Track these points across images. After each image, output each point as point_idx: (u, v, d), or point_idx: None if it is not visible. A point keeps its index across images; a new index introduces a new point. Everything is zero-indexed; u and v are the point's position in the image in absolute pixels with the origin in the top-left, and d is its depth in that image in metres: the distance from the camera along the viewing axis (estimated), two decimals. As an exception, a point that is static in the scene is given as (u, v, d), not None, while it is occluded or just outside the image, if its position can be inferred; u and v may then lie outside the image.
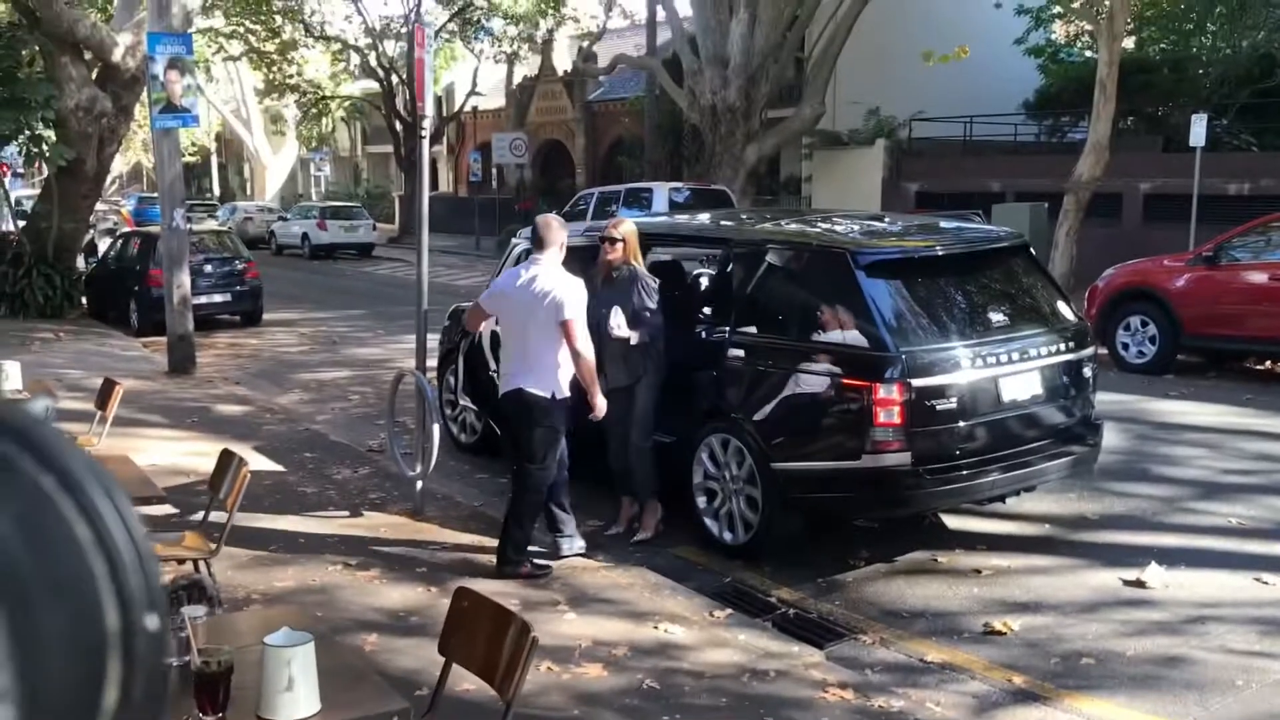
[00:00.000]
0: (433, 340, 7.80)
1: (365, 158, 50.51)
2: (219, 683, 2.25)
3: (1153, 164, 19.83)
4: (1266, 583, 5.67)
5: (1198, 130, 15.76)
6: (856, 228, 6.72)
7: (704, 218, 9.26)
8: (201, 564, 4.61)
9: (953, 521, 6.67)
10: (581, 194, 23.08)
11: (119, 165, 50.76)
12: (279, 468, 7.87)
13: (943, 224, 7.18)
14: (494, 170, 34.44)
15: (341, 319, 17.63)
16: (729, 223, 7.69)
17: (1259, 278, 11.21)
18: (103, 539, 0.55)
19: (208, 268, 15.84)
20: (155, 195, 15.91)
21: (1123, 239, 17.97)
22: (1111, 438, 7.15)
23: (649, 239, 7.60)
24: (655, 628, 5.01)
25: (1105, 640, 5.07)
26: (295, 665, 2.29)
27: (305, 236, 31.43)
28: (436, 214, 34.09)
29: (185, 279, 12.06)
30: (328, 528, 6.54)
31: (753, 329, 6.21)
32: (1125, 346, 11.85)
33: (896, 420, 5.51)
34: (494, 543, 5.90)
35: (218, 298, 16.02)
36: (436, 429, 6.81)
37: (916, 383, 5.52)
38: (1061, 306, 6.53)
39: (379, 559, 5.94)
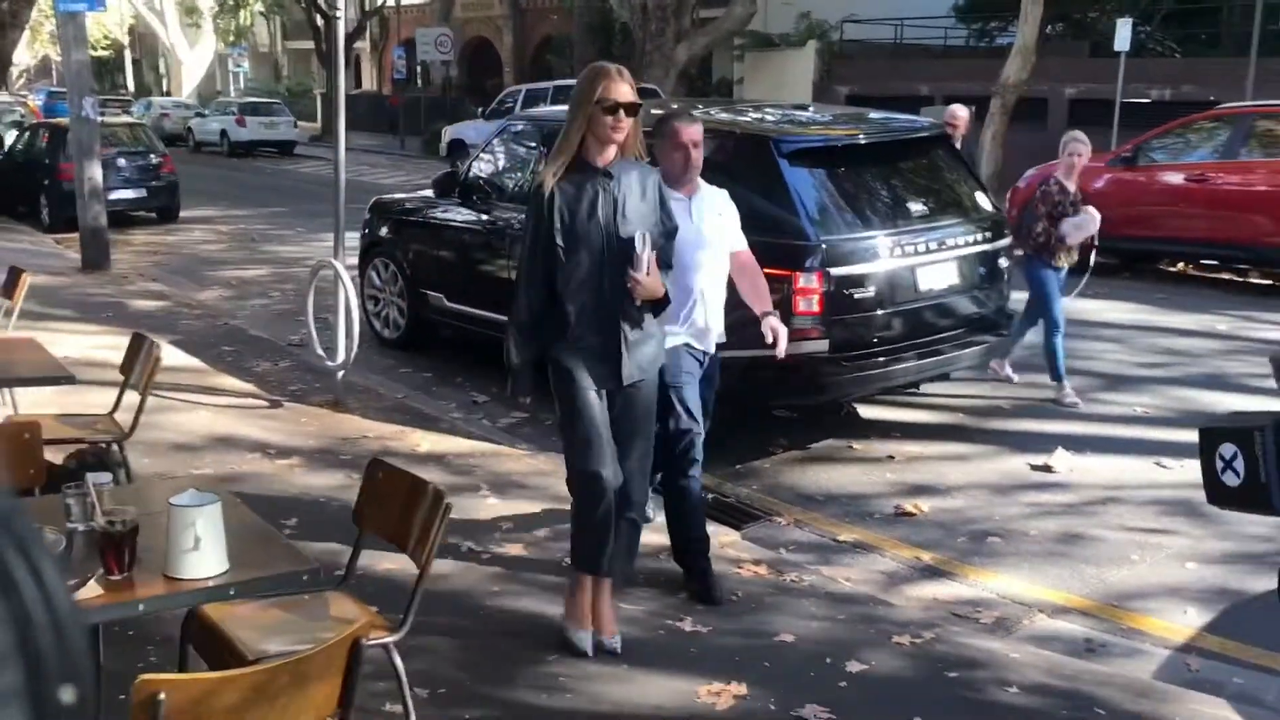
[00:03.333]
0: (353, 237, 7.68)
1: (286, 54, 48.94)
2: (124, 543, 2.23)
3: (1079, 69, 19.97)
4: (1166, 467, 5.89)
5: (1123, 35, 15.88)
6: (782, 116, 6.70)
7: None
8: (114, 448, 4.55)
9: (868, 410, 6.81)
10: (508, 91, 22.68)
11: (26, 58, 48.56)
12: (197, 362, 7.75)
13: (870, 114, 7.19)
14: (419, 68, 33.62)
15: (262, 217, 17.24)
16: (657, 111, 7.61)
17: (1175, 179, 11.43)
18: (14, 609, 0.52)
19: (121, 162, 15.34)
20: (65, 90, 15.31)
21: (1048, 143, 18.07)
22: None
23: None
24: (576, 511, 5.06)
25: (1012, 521, 5.25)
26: (201, 525, 2.29)
27: (224, 134, 30.55)
28: (359, 112, 33.03)
29: (97, 171, 11.66)
30: (247, 418, 6.48)
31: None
32: (1044, 247, 12.02)
33: (815, 309, 5.57)
34: (417, 432, 5.89)
35: (132, 193, 15.54)
36: (356, 318, 6.73)
37: (836, 272, 5.58)
38: (979, 197, 6.60)
39: (299, 449, 5.91)
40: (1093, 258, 7.41)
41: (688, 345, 4.34)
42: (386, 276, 8.34)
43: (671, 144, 4.33)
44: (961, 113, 8.07)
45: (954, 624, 4.10)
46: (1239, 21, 20.67)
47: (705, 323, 4.36)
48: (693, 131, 4.35)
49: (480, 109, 24.92)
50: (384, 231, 8.38)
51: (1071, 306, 10.02)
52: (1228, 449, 0.96)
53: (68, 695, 0.53)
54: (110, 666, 2.99)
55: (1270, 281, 11.31)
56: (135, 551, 2.26)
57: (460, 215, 7.62)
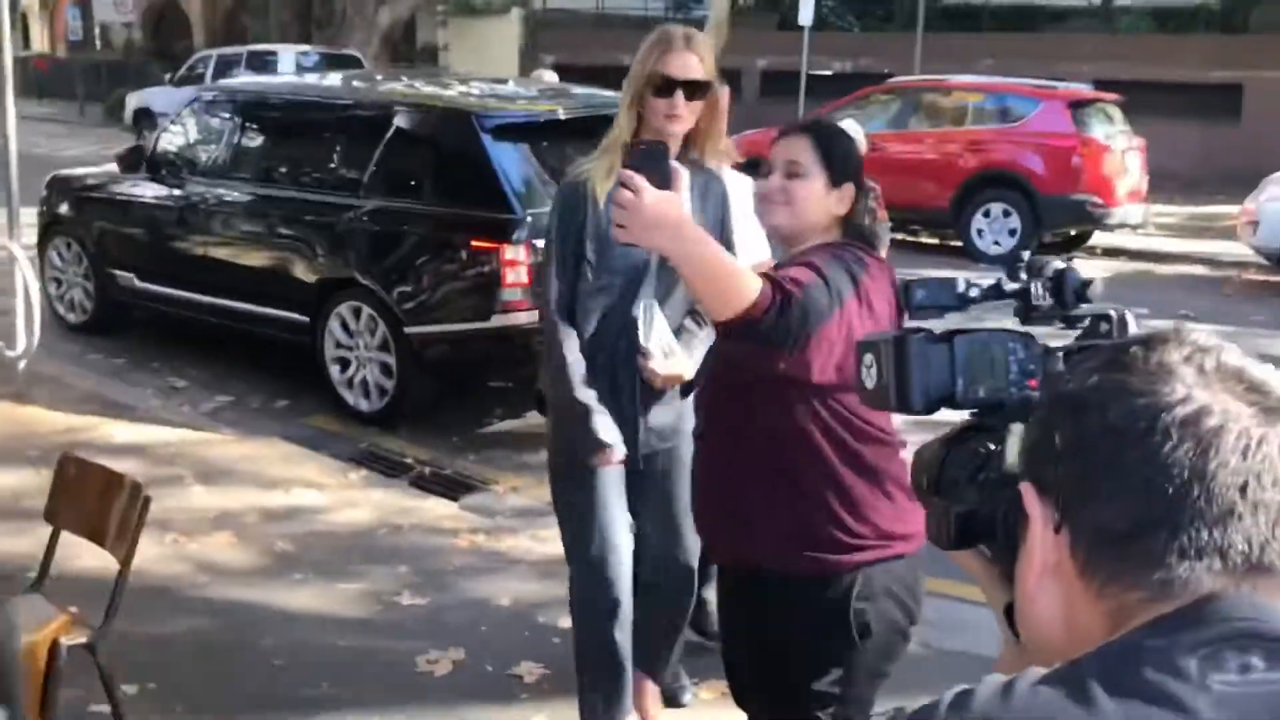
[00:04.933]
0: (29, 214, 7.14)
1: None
2: None
3: (769, 42, 21.06)
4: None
5: (806, 10, 16.87)
6: (484, 91, 6.77)
7: (333, 78, 8.97)
8: None
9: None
10: (199, 56, 21.48)
11: None
12: None
13: (573, 90, 7.36)
14: (97, 29, 31.16)
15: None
16: (359, 84, 7.51)
17: (854, 149, 12.33)
18: None
19: None
20: None
21: (742, 113, 18.99)
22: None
23: (269, 103, 7.31)
24: (288, 493, 5.01)
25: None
26: None
27: None
28: (29, 77, 30.17)
29: None
30: (-87, 417, 5.95)
31: (382, 195, 6.16)
32: (741, 213, 12.72)
33: (525, 280, 5.70)
34: (112, 422, 5.61)
35: None
36: (37, 303, 6.30)
37: (542, 243, 5.73)
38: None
39: (-22, 447, 5.50)
40: None
41: None
42: (70, 257, 7.81)
43: None
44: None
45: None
46: None
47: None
48: None
49: (168, 75, 23.43)
50: (65, 209, 7.83)
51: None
52: (868, 358, 1.17)
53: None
54: None
55: (936, 241, 12.44)
56: None
57: (150, 191, 7.24)
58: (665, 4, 25.85)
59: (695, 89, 2.75)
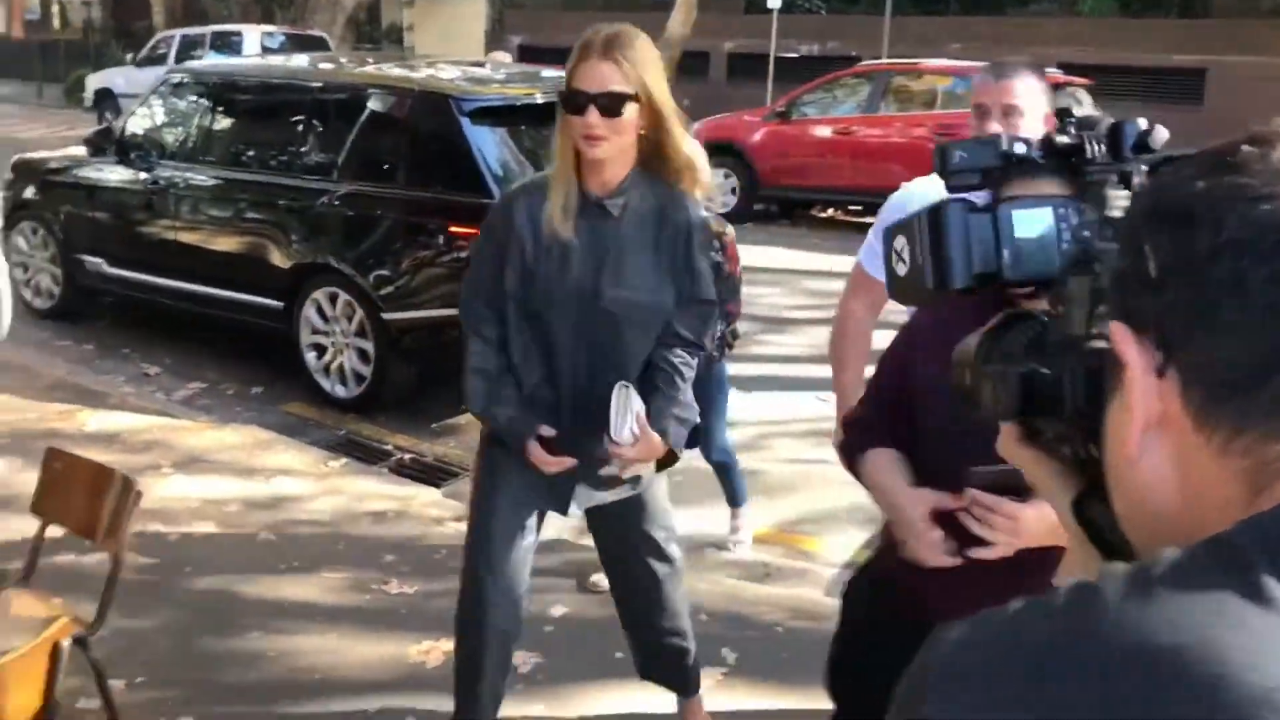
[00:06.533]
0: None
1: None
2: None
3: (736, 24, 21.03)
4: (824, 400, 6.48)
5: (774, -9, 16.88)
6: (459, 74, 6.72)
7: (301, 60, 8.87)
8: None
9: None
10: (161, 36, 21.13)
11: None
12: None
13: (543, 73, 7.32)
14: (55, 7, 30.61)
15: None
16: (328, 66, 7.42)
17: (824, 131, 12.37)
18: None
19: None
20: None
21: (709, 95, 19.05)
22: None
23: (240, 86, 7.21)
24: (268, 482, 4.97)
25: (687, 461, 5.58)
26: None
27: None
28: (-15, 55, 29.56)
29: None
30: (-121, 406, 5.84)
31: (356, 179, 6.11)
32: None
33: (503, 265, 5.68)
34: (84, 410, 5.54)
35: None
36: (7, 289, 6.18)
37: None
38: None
39: (-53, 436, 5.41)
40: None
41: None
42: (36, 242, 7.69)
43: None
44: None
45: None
46: (875, -17, 22.48)
47: None
48: None
49: (130, 55, 23.07)
50: (30, 193, 7.70)
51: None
52: (899, 241, 1.04)
53: None
54: None
55: (907, 225, 12.48)
56: None
57: (118, 174, 7.14)
58: (633, -15, 25.77)
59: (613, 102, 2.37)
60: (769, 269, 10.01)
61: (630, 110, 2.39)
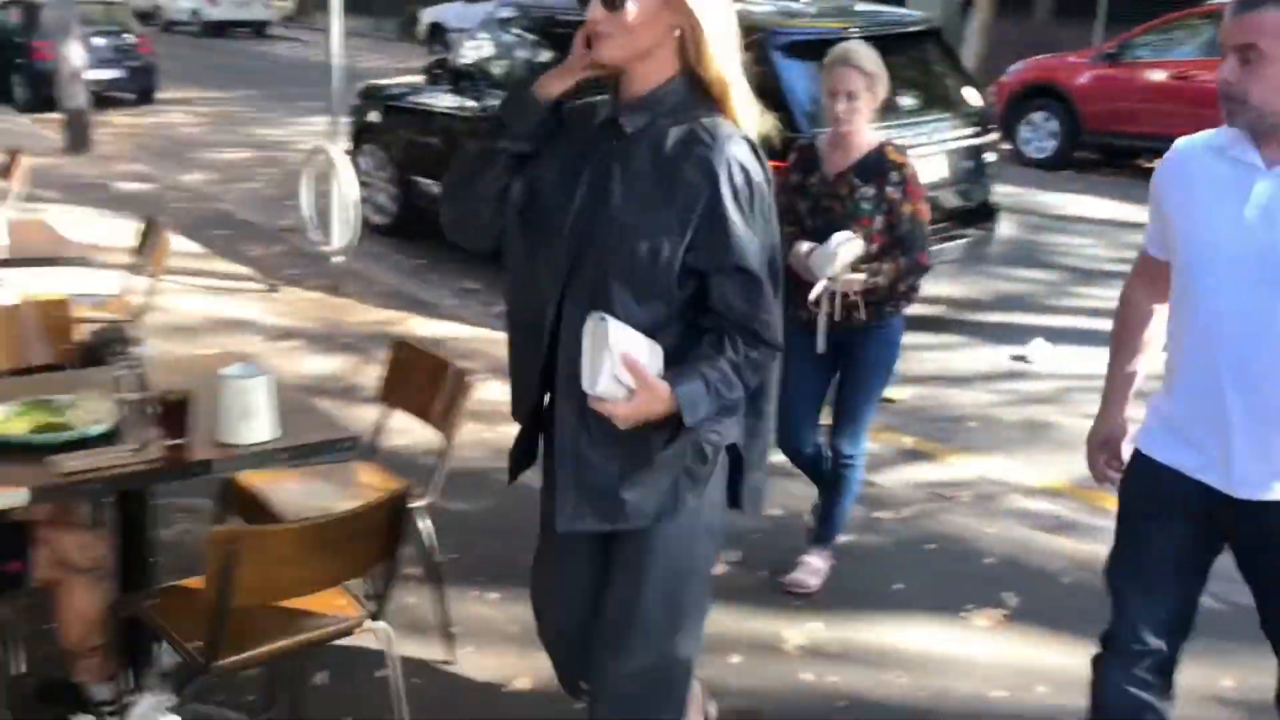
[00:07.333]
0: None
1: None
2: (181, 411, 2.40)
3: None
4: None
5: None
6: (772, 7, 6.73)
7: None
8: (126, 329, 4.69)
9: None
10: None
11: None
12: (191, 244, 7.82)
13: (858, 7, 7.23)
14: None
15: (240, 99, 17.03)
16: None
17: (1158, 75, 11.51)
18: None
19: (97, 41, 15.05)
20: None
21: (1032, 35, 18.08)
22: (1008, 227, 7.48)
23: (557, 20, 7.51)
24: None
25: (990, 408, 5.50)
26: (255, 394, 2.46)
27: (195, 12, 29.83)
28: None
29: (77, 51, 11.51)
30: (245, 302, 6.62)
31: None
32: (1027, 141, 12.16)
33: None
34: (414, 317, 6.03)
35: (108, 73, 15.28)
36: (357, 204, 6.82)
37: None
38: (967, 92, 6.70)
39: (300, 331, 6.08)
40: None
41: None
42: (377, 162, 8.38)
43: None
44: None
45: (933, 502, 4.37)
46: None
47: None
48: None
49: (461, -10, 24.42)
50: (374, 117, 8.40)
51: (1052, 201, 10.21)
52: None
53: None
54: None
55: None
56: (189, 418, 2.42)
57: (451, 101, 7.64)
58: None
59: None
60: (1087, 219, 9.51)
61: (639, 6, 1.92)
